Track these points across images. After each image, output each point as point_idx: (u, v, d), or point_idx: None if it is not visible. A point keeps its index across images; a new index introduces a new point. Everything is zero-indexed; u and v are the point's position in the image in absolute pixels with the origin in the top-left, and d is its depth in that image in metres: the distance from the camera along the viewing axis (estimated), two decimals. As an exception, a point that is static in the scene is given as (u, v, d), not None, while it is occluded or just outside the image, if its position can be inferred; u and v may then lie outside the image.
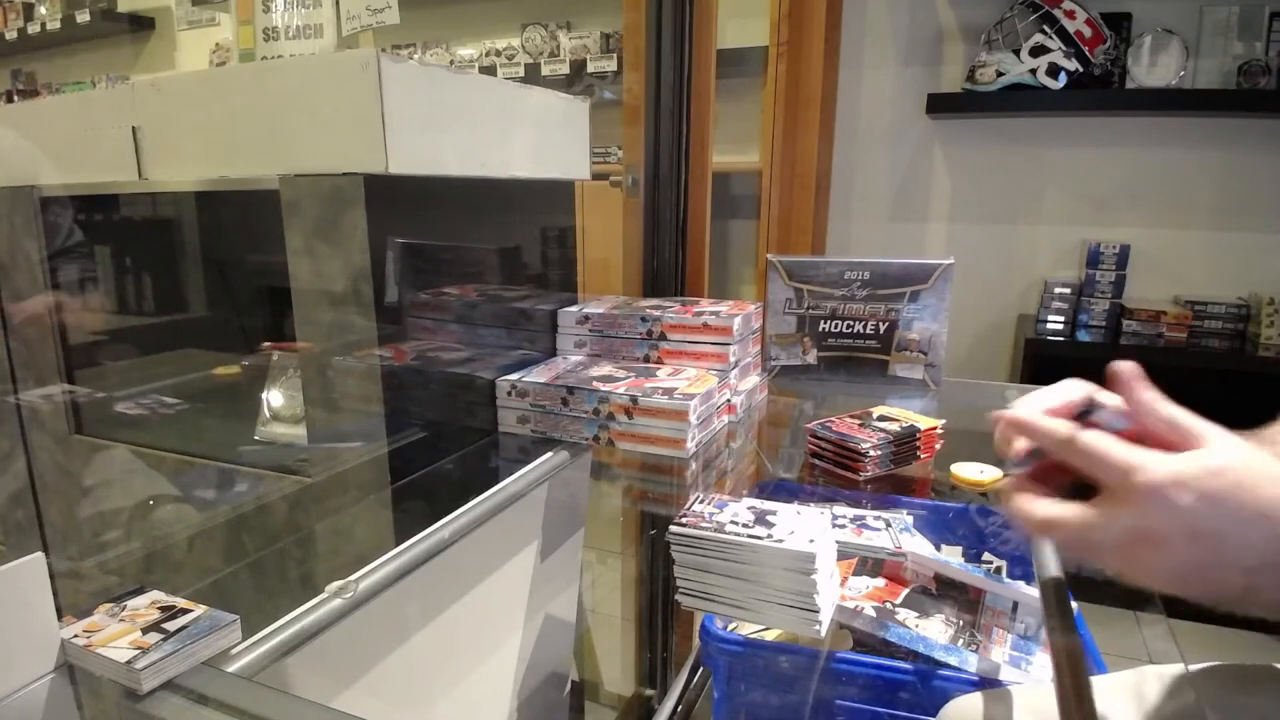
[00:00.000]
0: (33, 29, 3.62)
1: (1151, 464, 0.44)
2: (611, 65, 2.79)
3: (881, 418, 1.11)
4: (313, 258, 0.94)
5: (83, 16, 3.49)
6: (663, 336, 1.20)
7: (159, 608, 0.64)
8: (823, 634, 0.71)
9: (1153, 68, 2.16)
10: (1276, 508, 0.41)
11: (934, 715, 0.68)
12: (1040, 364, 2.20)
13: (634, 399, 1.04)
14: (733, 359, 1.18)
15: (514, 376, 1.12)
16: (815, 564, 0.69)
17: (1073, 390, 0.56)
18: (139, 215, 1.75)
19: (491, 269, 1.21)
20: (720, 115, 1.99)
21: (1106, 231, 2.32)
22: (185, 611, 0.64)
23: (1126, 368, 0.49)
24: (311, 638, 0.67)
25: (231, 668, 0.61)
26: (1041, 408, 0.53)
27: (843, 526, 0.96)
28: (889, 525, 0.96)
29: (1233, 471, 0.43)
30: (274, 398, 1.20)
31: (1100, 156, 2.33)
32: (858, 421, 1.10)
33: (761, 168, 2.35)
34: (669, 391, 1.05)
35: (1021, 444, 0.54)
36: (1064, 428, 0.49)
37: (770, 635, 0.86)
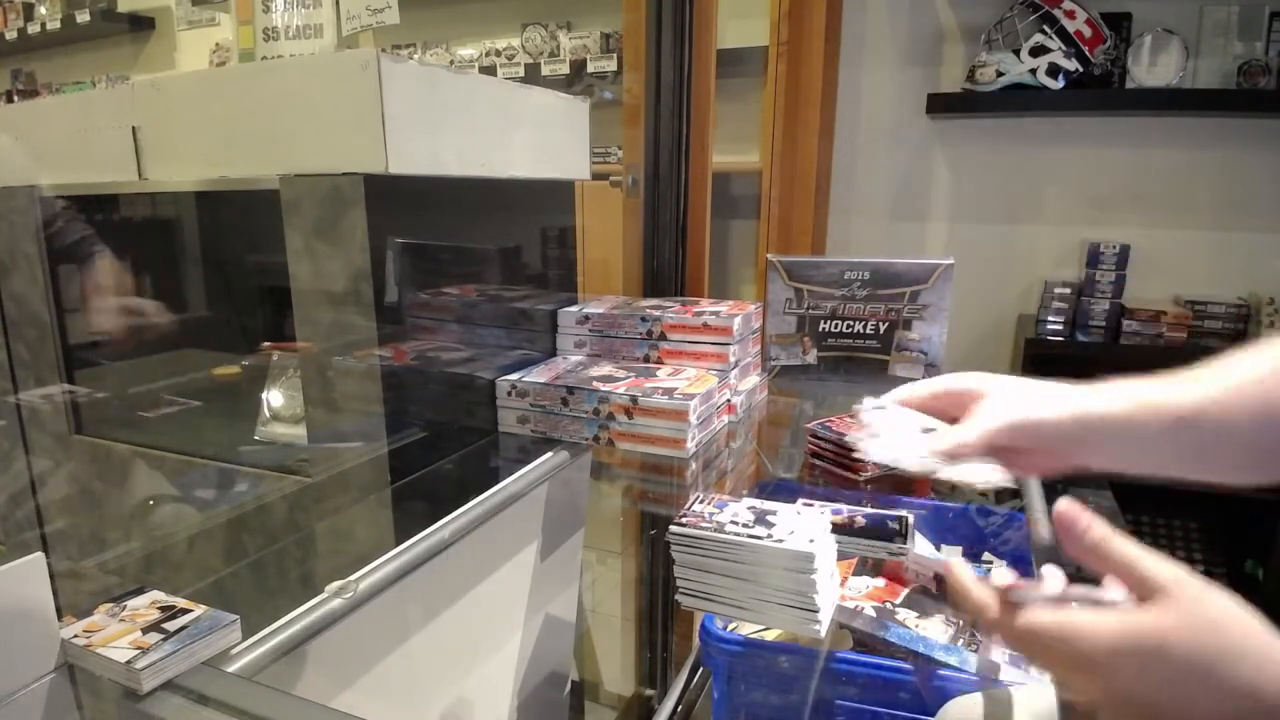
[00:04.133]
0: (33, 29, 3.62)
1: (1087, 636, 0.40)
2: (611, 65, 2.79)
3: (881, 418, 1.11)
4: (313, 258, 0.94)
5: (83, 16, 3.49)
6: (663, 336, 1.20)
7: (159, 608, 0.64)
8: (823, 634, 0.71)
9: (1153, 68, 2.15)
10: (1224, 687, 0.37)
11: (934, 715, 0.68)
12: (1040, 364, 2.20)
13: (634, 399, 1.04)
14: (733, 359, 1.18)
15: (514, 376, 1.12)
16: (815, 564, 0.69)
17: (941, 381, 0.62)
18: (139, 215, 1.75)
19: (491, 269, 1.21)
20: (720, 115, 1.99)
21: (1106, 231, 2.32)
22: (185, 611, 0.64)
23: (1069, 511, 0.44)
24: (311, 638, 0.67)
25: (231, 668, 0.61)
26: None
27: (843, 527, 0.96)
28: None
29: (1177, 643, 0.38)
30: (274, 398, 1.20)
31: (1100, 156, 2.33)
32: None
33: (761, 168, 2.35)
34: (669, 391, 1.05)
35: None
36: (990, 609, 0.44)
37: (770, 635, 0.86)
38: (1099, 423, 0.53)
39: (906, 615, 0.87)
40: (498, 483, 0.96)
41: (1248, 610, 0.39)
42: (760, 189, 2.36)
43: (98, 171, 1.04)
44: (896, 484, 1.06)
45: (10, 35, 3.70)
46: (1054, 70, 2.13)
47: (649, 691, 1.59)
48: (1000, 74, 2.19)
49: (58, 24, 3.54)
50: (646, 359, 1.21)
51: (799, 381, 1.41)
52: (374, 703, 0.82)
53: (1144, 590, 0.40)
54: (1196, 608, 0.39)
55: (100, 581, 1.12)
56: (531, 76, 2.89)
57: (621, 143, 1.67)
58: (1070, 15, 2.10)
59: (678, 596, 0.76)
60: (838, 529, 0.87)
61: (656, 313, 1.21)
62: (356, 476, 1.01)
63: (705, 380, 1.11)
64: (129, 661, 0.57)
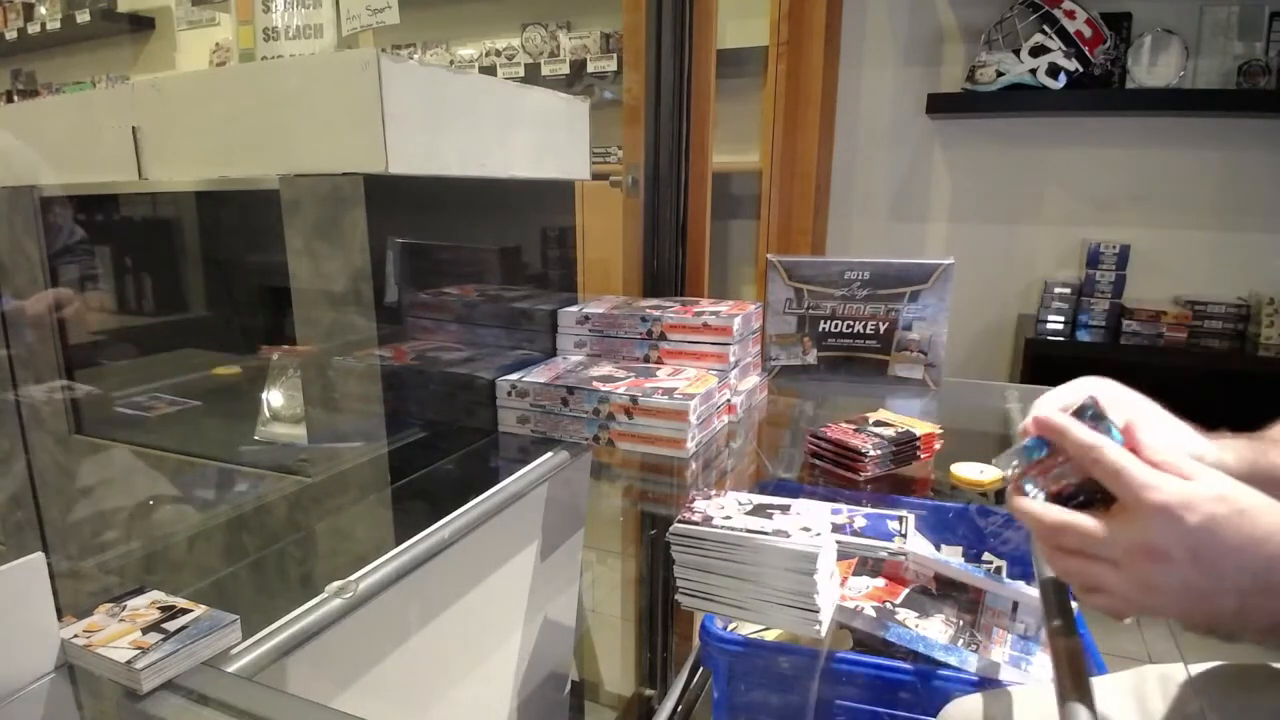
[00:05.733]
0: (33, 29, 3.62)
1: (1166, 484, 0.47)
2: (611, 65, 2.79)
3: (878, 423, 1.11)
4: (313, 258, 0.94)
5: (83, 16, 3.49)
6: (663, 336, 1.20)
7: (159, 608, 0.64)
8: (823, 634, 0.71)
9: (1153, 68, 2.16)
10: (1270, 536, 0.45)
11: (934, 715, 0.68)
12: (1040, 364, 2.20)
13: (634, 399, 1.04)
14: (733, 359, 1.18)
15: (514, 376, 1.12)
16: (815, 564, 0.69)
17: (1086, 389, 0.60)
18: (139, 215, 1.75)
19: (491, 269, 1.21)
20: (720, 115, 1.99)
21: (1106, 231, 2.32)
22: (185, 611, 0.64)
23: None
24: (311, 638, 0.67)
25: (231, 668, 0.61)
26: (1059, 406, 0.57)
27: (843, 527, 0.96)
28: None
29: (1235, 499, 0.46)
30: (274, 398, 1.20)
31: (1100, 156, 2.33)
32: (853, 427, 1.10)
33: (761, 168, 2.35)
34: (669, 391, 1.05)
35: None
36: (1092, 439, 0.51)
37: (770, 635, 0.86)
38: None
39: (906, 615, 0.87)
40: (498, 483, 0.96)
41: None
42: (760, 189, 2.37)
43: (98, 171, 1.04)
44: (896, 484, 1.06)
45: (10, 35, 3.70)
46: (1054, 70, 2.14)
47: (649, 691, 1.59)
48: (1000, 74, 2.19)
49: (58, 24, 3.53)
50: (646, 359, 1.21)
51: (799, 381, 1.41)
52: (374, 703, 0.82)
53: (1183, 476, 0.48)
54: (1237, 485, 0.47)
55: (100, 581, 1.12)
56: (531, 76, 2.89)
57: (621, 143, 1.67)
58: (1070, 15, 2.10)
59: (678, 596, 0.76)
60: (838, 529, 0.87)
61: (656, 313, 1.21)
62: (356, 476, 1.01)
63: (705, 380, 1.11)
64: (129, 661, 0.57)
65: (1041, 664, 0.80)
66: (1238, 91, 2.10)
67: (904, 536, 0.88)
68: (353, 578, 0.73)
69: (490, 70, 2.96)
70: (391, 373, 0.98)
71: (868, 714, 0.76)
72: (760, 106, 2.37)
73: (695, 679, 1.11)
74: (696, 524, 0.74)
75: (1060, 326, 2.29)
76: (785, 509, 0.77)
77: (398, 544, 0.80)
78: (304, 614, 0.68)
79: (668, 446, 1.04)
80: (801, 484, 1.07)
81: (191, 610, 0.64)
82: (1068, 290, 2.29)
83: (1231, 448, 0.59)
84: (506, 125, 1.06)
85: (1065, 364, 2.14)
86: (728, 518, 0.75)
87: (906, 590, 0.91)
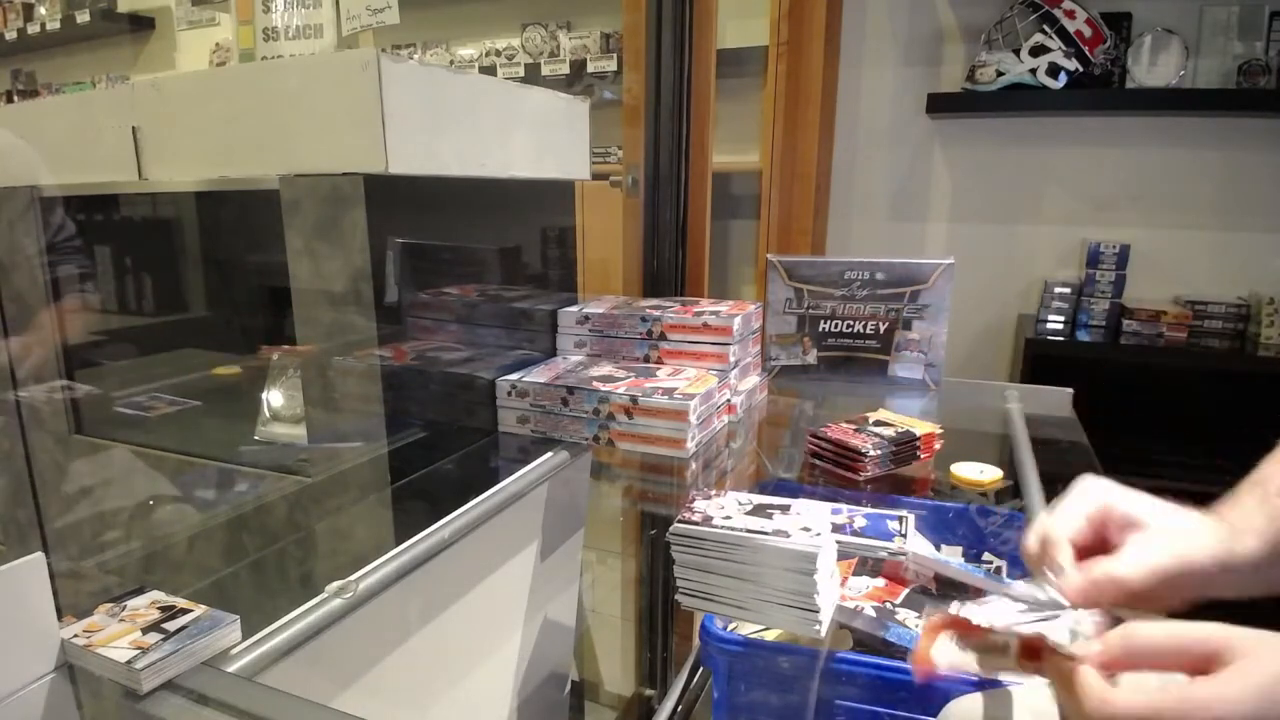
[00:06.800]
0: (33, 29, 3.62)
1: (1215, 705, 0.37)
2: (611, 65, 2.79)
3: (878, 423, 1.11)
4: (313, 258, 0.94)
5: (83, 16, 3.49)
6: (663, 336, 1.20)
7: (159, 608, 0.64)
8: (823, 634, 0.71)
9: (1153, 67, 2.16)
10: None
11: (934, 715, 0.68)
12: (1040, 364, 2.20)
13: (634, 399, 1.04)
14: (733, 359, 1.18)
15: (514, 376, 1.12)
16: (816, 564, 0.69)
17: (1090, 495, 0.54)
18: (139, 215, 1.75)
19: (491, 269, 1.22)
20: (720, 115, 1.99)
21: (1106, 231, 2.32)
22: (185, 611, 0.64)
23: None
24: (311, 638, 0.67)
25: (231, 668, 0.61)
26: (1066, 531, 0.51)
27: (843, 527, 0.96)
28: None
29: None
30: (274, 398, 1.20)
31: (1100, 156, 2.33)
32: (853, 427, 1.10)
33: (761, 168, 2.35)
34: (669, 391, 1.05)
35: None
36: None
37: (770, 635, 0.86)
38: (1238, 565, 0.50)
39: (906, 615, 0.87)
40: (498, 483, 0.96)
41: None
42: (760, 189, 2.37)
43: (98, 171, 1.04)
44: (896, 484, 1.06)
45: (10, 35, 3.70)
46: (1054, 70, 2.13)
47: (649, 691, 1.59)
48: (1000, 74, 2.19)
49: (58, 24, 3.53)
50: (646, 359, 1.21)
51: (799, 381, 1.41)
52: (374, 703, 0.82)
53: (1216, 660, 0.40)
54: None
55: (100, 581, 1.12)
56: (531, 76, 2.89)
57: (621, 143, 1.67)
58: (1070, 15, 2.10)
59: (678, 596, 0.76)
60: (838, 529, 0.87)
61: (656, 313, 1.21)
62: (356, 476, 1.01)
63: (705, 380, 1.11)
64: (129, 661, 0.57)
65: (1041, 664, 0.80)
66: (1238, 91, 2.10)
67: (904, 536, 0.88)
68: (353, 578, 0.73)
69: (490, 70, 2.96)
70: (391, 373, 0.98)
71: (868, 714, 0.76)
72: (760, 106, 2.37)
73: (695, 679, 1.11)
74: (696, 524, 0.74)
75: (1060, 326, 2.29)
76: (785, 509, 0.77)
77: (398, 544, 0.80)
78: (304, 614, 0.68)
79: (668, 446, 1.04)
80: (801, 484, 1.07)
81: (191, 610, 0.64)
82: (1068, 290, 2.29)
83: (1248, 524, 0.50)
84: (506, 125, 1.06)
85: (1065, 364, 2.14)
86: (728, 518, 0.75)
87: (906, 590, 0.91)
